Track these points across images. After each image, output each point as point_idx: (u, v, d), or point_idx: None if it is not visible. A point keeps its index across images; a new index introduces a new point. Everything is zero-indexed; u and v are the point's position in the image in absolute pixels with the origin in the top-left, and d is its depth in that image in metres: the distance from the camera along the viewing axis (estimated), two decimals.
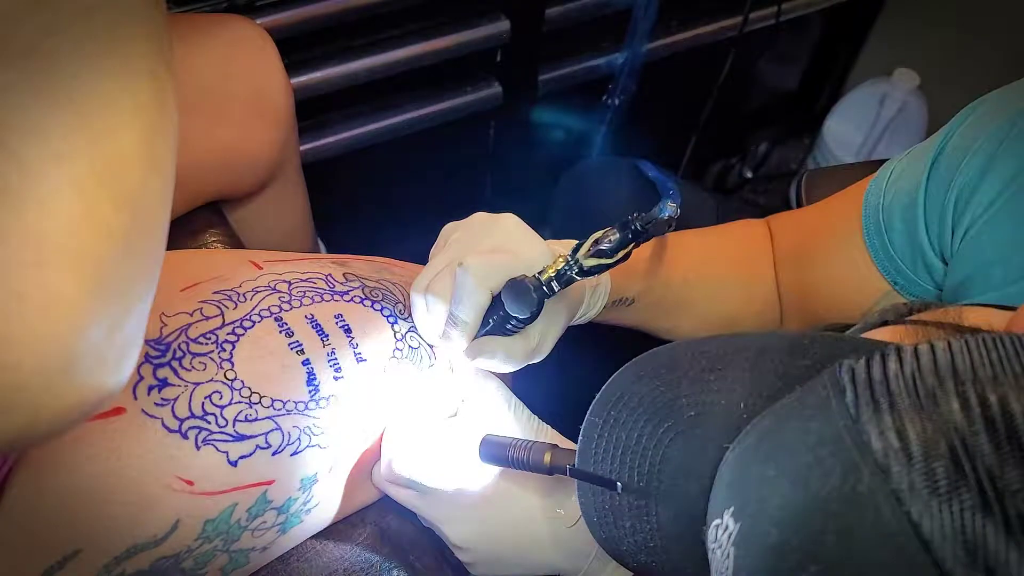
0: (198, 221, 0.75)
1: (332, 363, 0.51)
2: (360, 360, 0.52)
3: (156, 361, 0.47)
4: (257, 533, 0.50)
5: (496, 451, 0.51)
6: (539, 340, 0.54)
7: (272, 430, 0.48)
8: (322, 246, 1.03)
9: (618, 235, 0.49)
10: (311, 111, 1.02)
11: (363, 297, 0.55)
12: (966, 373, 0.26)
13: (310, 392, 0.49)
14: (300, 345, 0.50)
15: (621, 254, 0.49)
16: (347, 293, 0.54)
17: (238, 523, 0.48)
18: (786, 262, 0.70)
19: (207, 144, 0.69)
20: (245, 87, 0.70)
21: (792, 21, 1.34)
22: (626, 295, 0.62)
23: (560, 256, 0.50)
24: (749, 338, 0.38)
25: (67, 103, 0.28)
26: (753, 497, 0.30)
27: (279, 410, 0.48)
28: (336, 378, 0.51)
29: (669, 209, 0.57)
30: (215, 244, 0.75)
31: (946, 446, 0.25)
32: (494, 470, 0.54)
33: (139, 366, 0.46)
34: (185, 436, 0.45)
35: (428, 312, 0.53)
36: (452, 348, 0.53)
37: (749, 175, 1.64)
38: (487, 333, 0.53)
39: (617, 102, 1.26)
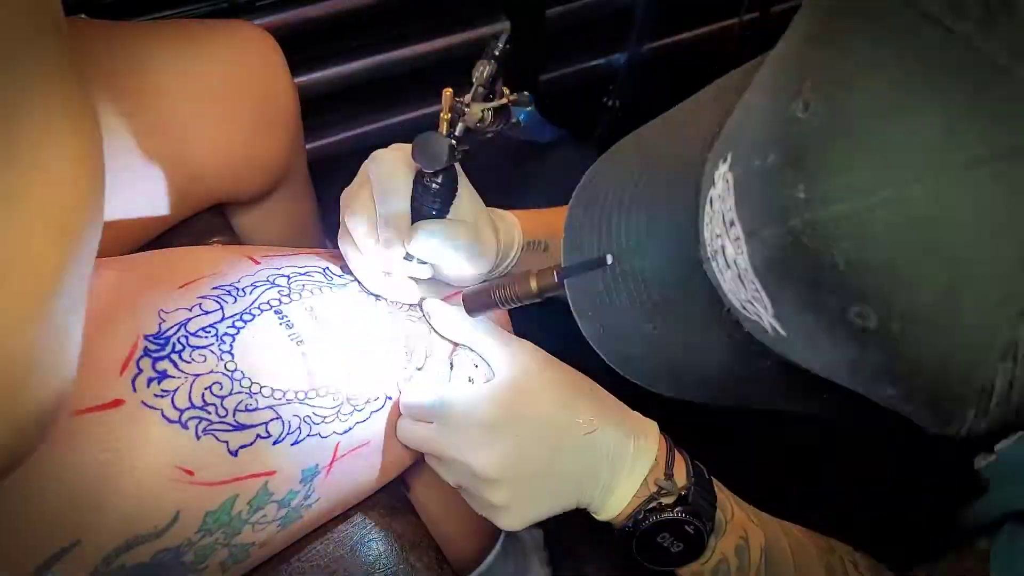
0: (201, 224, 0.75)
1: (333, 353, 0.51)
2: (362, 349, 0.52)
3: (155, 355, 0.47)
4: (258, 527, 0.50)
5: (480, 300, 0.49)
6: (474, 221, 0.52)
7: (273, 419, 0.48)
8: (329, 245, 1.03)
9: (488, 65, 0.47)
10: (311, 111, 1.02)
11: (361, 288, 0.55)
12: None
13: (310, 381, 0.50)
14: (300, 336, 0.50)
15: (508, 93, 0.48)
16: (345, 285, 0.55)
17: (239, 516, 0.48)
18: None
19: (214, 149, 0.69)
20: (252, 92, 0.71)
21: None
22: (537, 238, 0.61)
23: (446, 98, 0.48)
24: (707, 91, 0.39)
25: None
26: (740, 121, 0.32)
27: (280, 399, 0.48)
28: (337, 368, 0.51)
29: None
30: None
31: None
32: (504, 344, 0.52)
33: (138, 360, 0.46)
34: (185, 426, 0.45)
35: (352, 231, 0.51)
36: (394, 253, 0.50)
37: None
38: None
39: (617, 102, 1.26)
